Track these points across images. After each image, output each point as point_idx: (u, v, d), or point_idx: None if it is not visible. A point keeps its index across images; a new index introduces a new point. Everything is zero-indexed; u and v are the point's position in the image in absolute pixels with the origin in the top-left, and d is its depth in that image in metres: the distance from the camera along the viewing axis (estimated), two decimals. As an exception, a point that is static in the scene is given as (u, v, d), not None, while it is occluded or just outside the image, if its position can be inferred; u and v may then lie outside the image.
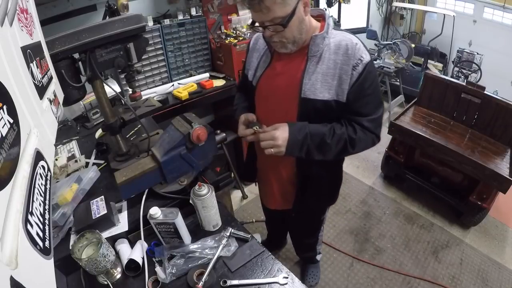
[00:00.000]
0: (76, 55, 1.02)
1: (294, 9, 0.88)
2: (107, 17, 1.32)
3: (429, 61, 4.11)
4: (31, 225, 0.46)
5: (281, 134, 0.99)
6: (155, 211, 0.91)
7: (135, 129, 1.57)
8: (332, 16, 3.62)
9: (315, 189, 1.22)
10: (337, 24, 3.68)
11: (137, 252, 0.95)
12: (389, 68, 3.58)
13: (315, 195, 1.24)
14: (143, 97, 1.41)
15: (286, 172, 1.22)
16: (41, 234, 0.49)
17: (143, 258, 0.95)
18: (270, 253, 0.98)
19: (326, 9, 3.58)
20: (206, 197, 0.97)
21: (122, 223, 1.04)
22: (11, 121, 0.47)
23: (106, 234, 0.99)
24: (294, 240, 1.82)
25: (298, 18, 0.90)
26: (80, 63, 1.03)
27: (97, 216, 0.99)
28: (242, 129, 1.09)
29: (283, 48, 0.99)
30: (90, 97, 1.64)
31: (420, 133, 2.28)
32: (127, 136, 1.50)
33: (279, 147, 0.99)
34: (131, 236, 1.04)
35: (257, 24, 0.95)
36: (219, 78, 2.22)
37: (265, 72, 1.09)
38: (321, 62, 0.97)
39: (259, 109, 1.15)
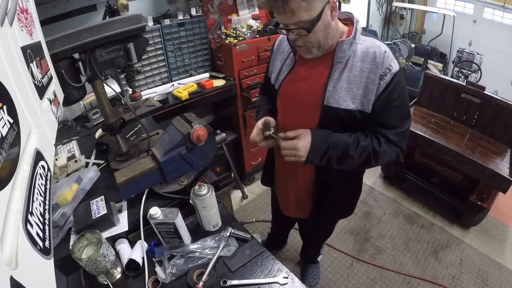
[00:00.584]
0: (76, 55, 1.02)
1: (320, 13, 0.83)
2: (107, 17, 1.31)
3: (429, 61, 4.11)
4: (31, 225, 0.46)
5: (303, 144, 0.94)
6: (155, 211, 0.91)
7: (135, 129, 1.57)
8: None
9: (332, 199, 1.17)
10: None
11: (137, 252, 0.95)
12: (389, 68, 3.57)
13: (332, 205, 1.20)
14: (143, 97, 1.41)
15: (304, 179, 1.17)
16: (41, 234, 0.48)
17: (143, 258, 0.95)
18: (270, 253, 0.98)
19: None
20: (206, 197, 0.97)
21: (122, 223, 1.04)
22: (11, 121, 0.47)
23: (106, 234, 0.99)
24: (305, 245, 1.84)
25: (324, 22, 0.86)
26: (80, 63, 1.03)
27: (97, 216, 0.99)
28: (255, 134, 1.02)
29: (308, 53, 0.94)
30: (90, 97, 1.64)
31: (420, 133, 2.28)
32: (127, 136, 1.51)
33: (301, 157, 0.96)
34: (131, 236, 1.04)
35: (281, 26, 0.90)
36: (219, 78, 2.22)
37: (288, 76, 1.05)
38: (347, 69, 0.92)
39: (280, 113, 1.12)
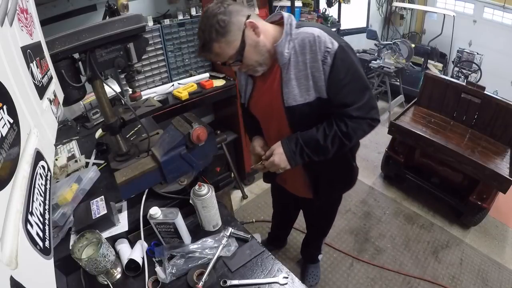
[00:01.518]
0: (76, 55, 1.02)
1: (242, 41, 0.90)
2: (107, 17, 1.32)
3: (429, 61, 4.11)
4: (31, 225, 0.46)
5: (278, 158, 1.04)
6: (155, 211, 0.91)
7: (135, 129, 1.57)
8: (331, 17, 3.60)
9: (327, 182, 1.24)
10: (337, 24, 3.66)
11: (137, 252, 0.95)
12: (389, 68, 3.58)
13: (329, 185, 1.26)
14: (143, 97, 1.41)
15: (298, 172, 1.23)
16: (41, 234, 0.49)
17: (143, 258, 0.95)
18: (270, 253, 0.98)
19: (325, 9, 3.58)
20: (206, 197, 0.97)
21: (122, 223, 1.04)
22: (11, 121, 0.47)
23: (106, 234, 0.99)
24: (309, 235, 1.85)
25: (250, 45, 0.92)
26: (80, 63, 1.03)
27: (97, 216, 0.99)
28: (253, 161, 1.18)
29: (256, 73, 1.02)
30: (90, 97, 1.64)
31: (420, 133, 2.28)
32: (127, 136, 1.50)
33: (284, 168, 1.05)
34: (131, 236, 1.04)
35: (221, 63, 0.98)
36: (219, 78, 2.22)
37: (252, 93, 1.13)
38: (292, 67, 0.96)
39: (261, 124, 1.21)
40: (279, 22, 1.01)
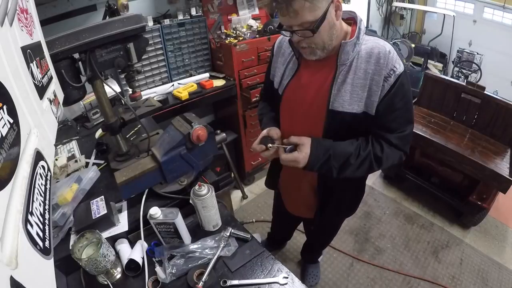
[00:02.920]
0: (76, 55, 1.02)
1: (324, 13, 0.81)
2: (107, 17, 1.32)
3: (429, 61, 4.11)
4: (31, 225, 0.46)
5: (303, 157, 0.93)
6: (155, 211, 0.91)
7: (135, 129, 1.57)
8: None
9: (336, 203, 1.18)
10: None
11: (137, 252, 0.95)
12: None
13: (337, 206, 1.20)
14: (143, 97, 1.41)
15: (308, 183, 1.18)
16: (41, 234, 0.49)
17: (143, 258, 0.95)
18: (270, 253, 0.97)
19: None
20: (206, 197, 0.97)
21: (122, 223, 1.04)
22: (11, 121, 0.47)
23: (106, 234, 0.99)
24: (310, 246, 1.84)
25: (328, 22, 0.83)
26: (80, 63, 1.03)
27: (97, 216, 0.99)
28: (256, 143, 1.02)
29: (312, 55, 0.91)
30: (90, 97, 1.64)
31: (420, 133, 2.28)
32: (127, 136, 1.50)
33: (298, 165, 0.95)
34: (131, 236, 1.04)
35: (284, 27, 0.87)
36: (219, 78, 2.22)
37: (292, 80, 1.02)
38: (351, 71, 0.90)
39: (284, 119, 1.10)
40: (348, 22, 0.95)
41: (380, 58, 0.86)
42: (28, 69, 0.63)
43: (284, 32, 0.90)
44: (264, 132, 1.03)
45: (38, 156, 0.56)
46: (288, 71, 1.03)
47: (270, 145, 0.98)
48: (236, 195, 2.57)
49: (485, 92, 2.36)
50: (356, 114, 0.91)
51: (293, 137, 0.97)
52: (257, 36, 2.19)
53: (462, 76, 4.19)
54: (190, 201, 1.00)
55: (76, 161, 1.32)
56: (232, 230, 1.01)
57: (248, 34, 2.20)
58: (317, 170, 0.97)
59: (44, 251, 0.47)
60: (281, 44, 1.07)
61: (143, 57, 1.21)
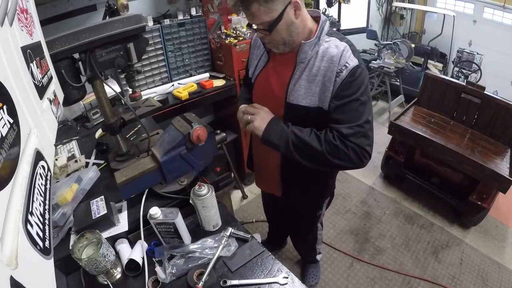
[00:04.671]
0: (76, 55, 1.02)
1: (280, 14, 0.88)
2: (107, 17, 1.32)
3: (429, 61, 4.11)
4: (31, 225, 0.46)
5: (263, 115, 1.03)
6: (155, 211, 0.91)
7: (135, 129, 1.57)
8: (331, 17, 3.59)
9: (299, 186, 1.26)
10: (337, 24, 3.66)
11: (137, 252, 0.95)
12: (389, 68, 3.58)
13: (300, 190, 1.27)
14: (143, 97, 1.41)
15: (273, 162, 1.24)
16: (41, 234, 0.49)
17: (143, 258, 0.95)
18: (270, 253, 0.98)
19: (325, 9, 3.58)
20: (206, 197, 0.97)
21: (122, 223, 1.04)
22: (11, 121, 0.47)
23: (106, 234, 0.99)
24: (291, 235, 1.83)
25: (286, 22, 0.91)
26: (80, 63, 1.03)
27: (97, 216, 0.99)
28: (239, 113, 1.13)
29: (275, 48, 1.01)
30: (90, 97, 1.64)
31: (420, 133, 2.28)
32: (127, 136, 1.50)
33: (255, 128, 1.03)
34: (131, 236, 1.04)
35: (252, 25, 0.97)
36: (219, 78, 2.22)
37: (262, 72, 1.13)
38: (307, 68, 0.98)
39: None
40: (317, 19, 1.02)
41: (333, 56, 0.94)
42: (28, 69, 0.63)
43: (250, 29, 1.02)
44: (242, 107, 1.14)
45: (38, 156, 0.56)
46: (260, 63, 1.14)
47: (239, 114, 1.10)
48: (236, 195, 2.57)
49: (485, 92, 2.36)
50: (310, 107, 0.99)
51: (258, 105, 1.08)
52: (257, 36, 2.19)
53: (462, 76, 4.19)
54: (190, 201, 1.00)
55: (76, 161, 1.32)
56: (232, 230, 1.01)
57: (248, 34, 2.20)
58: (276, 140, 1.01)
59: (44, 251, 0.47)
60: (257, 38, 1.16)
61: (143, 57, 1.21)
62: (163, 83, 2.14)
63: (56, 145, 1.39)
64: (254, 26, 0.94)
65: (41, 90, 0.69)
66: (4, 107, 0.45)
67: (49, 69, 0.83)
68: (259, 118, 1.03)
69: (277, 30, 0.91)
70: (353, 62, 0.93)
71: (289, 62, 1.02)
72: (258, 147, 1.31)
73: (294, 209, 1.49)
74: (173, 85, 2.09)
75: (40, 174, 0.56)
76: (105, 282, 0.90)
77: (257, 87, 1.16)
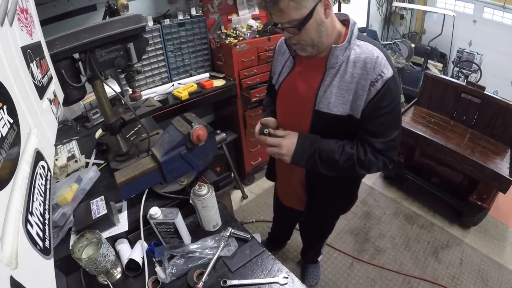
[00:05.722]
0: (76, 55, 1.02)
1: (311, 11, 0.83)
2: (107, 17, 1.31)
3: (429, 61, 4.11)
4: (31, 225, 0.46)
5: (287, 143, 0.98)
6: (155, 211, 0.91)
7: (135, 129, 1.57)
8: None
9: (324, 200, 1.21)
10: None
11: (137, 252, 0.95)
12: (389, 68, 3.57)
13: (324, 204, 1.23)
14: (143, 97, 1.41)
15: (297, 175, 1.20)
16: (41, 234, 0.49)
17: (143, 258, 0.95)
18: (270, 253, 0.98)
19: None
20: (206, 197, 0.97)
21: (122, 223, 1.04)
22: (11, 121, 0.47)
23: (106, 234, 0.99)
24: (304, 244, 1.84)
25: (316, 21, 0.86)
26: (80, 63, 1.03)
27: (97, 216, 0.99)
28: (257, 129, 1.09)
29: (302, 51, 0.95)
30: (90, 97, 1.64)
31: (420, 133, 2.28)
32: (127, 136, 1.50)
33: (283, 156, 1.00)
34: (131, 236, 1.04)
35: (276, 24, 0.91)
36: (219, 78, 2.22)
37: (287, 78, 1.06)
38: (339, 75, 0.92)
39: (279, 113, 1.15)
40: (343, 23, 0.97)
41: (367, 63, 0.88)
42: (28, 69, 0.63)
43: (277, 29, 0.92)
44: (263, 120, 1.08)
45: (38, 156, 0.56)
46: (284, 69, 1.08)
47: (266, 130, 1.04)
48: (236, 195, 2.57)
49: (485, 92, 2.36)
50: (341, 116, 0.94)
51: (279, 131, 1.03)
52: (257, 36, 2.19)
53: (462, 76, 4.19)
54: (190, 201, 1.00)
55: (76, 161, 1.32)
56: (232, 230, 1.01)
57: (248, 34, 2.20)
58: (303, 164, 1.00)
59: (44, 251, 0.47)
60: (282, 44, 1.12)
61: (143, 57, 1.21)
62: (163, 83, 2.14)
63: (56, 145, 1.39)
64: (282, 25, 0.88)
65: (41, 90, 0.69)
66: (4, 107, 0.45)
67: (49, 69, 0.83)
68: (285, 149, 0.99)
69: (306, 29, 0.86)
70: (388, 72, 0.88)
71: (318, 67, 0.96)
72: (281, 162, 1.20)
73: (314, 222, 1.46)
74: (173, 85, 2.09)
75: (40, 174, 0.56)
76: (105, 282, 0.90)
77: (282, 95, 1.09)
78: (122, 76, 1.67)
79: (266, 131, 1.03)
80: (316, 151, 0.97)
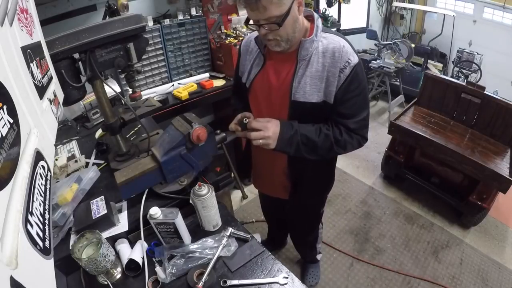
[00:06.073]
0: (76, 55, 1.02)
1: (289, 8, 0.90)
2: (107, 17, 1.32)
3: (429, 61, 4.11)
4: (31, 225, 0.46)
5: (272, 126, 1.03)
6: (155, 211, 0.91)
7: (135, 129, 1.57)
8: (331, 17, 3.60)
9: (306, 184, 1.27)
10: (337, 24, 3.67)
11: (137, 252, 0.95)
12: (389, 68, 3.58)
13: (307, 187, 1.29)
14: (143, 97, 1.41)
15: (279, 168, 1.25)
16: (41, 234, 0.49)
17: (143, 258, 0.95)
18: (270, 253, 0.97)
19: (325, 9, 3.58)
20: (206, 197, 0.97)
21: (122, 223, 1.04)
22: (11, 121, 0.47)
23: (106, 234, 0.99)
24: (293, 234, 1.83)
25: (292, 17, 0.92)
26: (80, 63, 1.03)
27: (97, 216, 0.99)
28: (233, 123, 1.12)
29: (277, 46, 1.00)
30: (90, 97, 1.64)
31: (420, 133, 2.28)
32: (127, 136, 1.50)
33: (268, 139, 1.02)
34: (131, 236, 1.04)
35: (251, 22, 0.97)
36: (219, 78, 2.22)
37: (258, 74, 1.12)
38: (309, 65, 1.00)
39: (254, 109, 1.20)
40: (307, 19, 1.04)
41: (335, 52, 0.97)
42: (28, 69, 0.63)
43: (251, 26, 0.98)
44: (239, 115, 1.11)
45: (38, 156, 0.56)
46: (254, 67, 1.13)
47: (246, 119, 1.07)
48: (236, 195, 2.57)
49: (485, 92, 2.36)
50: (316, 103, 1.02)
51: (260, 118, 1.07)
52: (257, 36, 2.19)
53: (462, 76, 4.19)
54: (190, 201, 1.00)
55: (76, 161, 1.32)
56: (232, 230, 1.01)
57: (248, 34, 2.20)
58: (287, 148, 1.05)
59: (44, 251, 0.47)
60: (248, 44, 1.18)
61: (143, 57, 1.21)
62: (163, 83, 2.14)
63: (56, 145, 1.39)
64: (261, 22, 0.92)
65: (41, 90, 0.69)
66: (4, 107, 0.45)
67: (49, 69, 0.83)
68: (271, 131, 1.02)
69: (285, 25, 0.92)
70: (354, 58, 0.98)
71: (289, 61, 1.03)
72: (261, 155, 1.31)
73: (301, 209, 1.50)
74: (173, 85, 2.09)
75: (40, 174, 0.56)
76: (105, 282, 0.90)
77: (255, 91, 1.15)
78: (122, 76, 1.67)
79: (245, 121, 1.06)
80: (297, 133, 1.03)
